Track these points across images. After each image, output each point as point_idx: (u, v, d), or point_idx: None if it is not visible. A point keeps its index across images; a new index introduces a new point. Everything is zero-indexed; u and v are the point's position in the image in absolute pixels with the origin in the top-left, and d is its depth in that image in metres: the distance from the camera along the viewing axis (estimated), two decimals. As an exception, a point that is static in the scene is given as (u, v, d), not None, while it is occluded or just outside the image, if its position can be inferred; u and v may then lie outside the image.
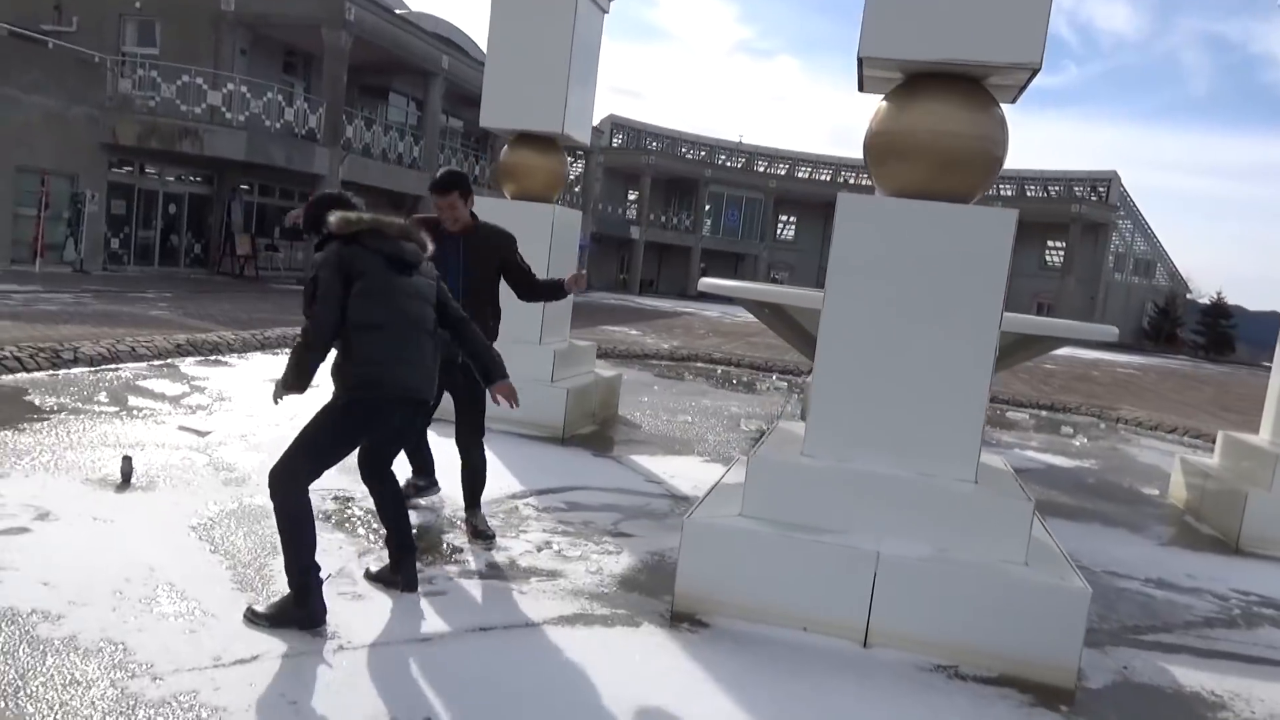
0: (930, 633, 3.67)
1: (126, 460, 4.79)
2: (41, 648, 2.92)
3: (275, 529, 3.71)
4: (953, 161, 3.93)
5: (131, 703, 2.68)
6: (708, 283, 6.99)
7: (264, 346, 10.37)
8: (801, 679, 3.36)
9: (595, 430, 7.79)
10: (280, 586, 3.62)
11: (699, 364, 14.26)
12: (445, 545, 4.42)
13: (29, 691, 2.66)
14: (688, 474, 6.49)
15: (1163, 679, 3.81)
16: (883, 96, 4.21)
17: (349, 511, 4.75)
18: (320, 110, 24.24)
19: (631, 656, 3.44)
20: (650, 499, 5.72)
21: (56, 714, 2.58)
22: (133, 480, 4.73)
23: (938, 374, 3.92)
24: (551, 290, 5.04)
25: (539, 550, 4.49)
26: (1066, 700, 3.45)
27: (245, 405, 7.17)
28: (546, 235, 7.54)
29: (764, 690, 3.24)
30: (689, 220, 50.92)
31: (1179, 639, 4.32)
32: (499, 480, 5.74)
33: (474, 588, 3.90)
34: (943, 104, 3.94)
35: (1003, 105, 4.09)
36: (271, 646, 3.13)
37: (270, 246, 26.12)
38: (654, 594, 4.05)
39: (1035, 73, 3.89)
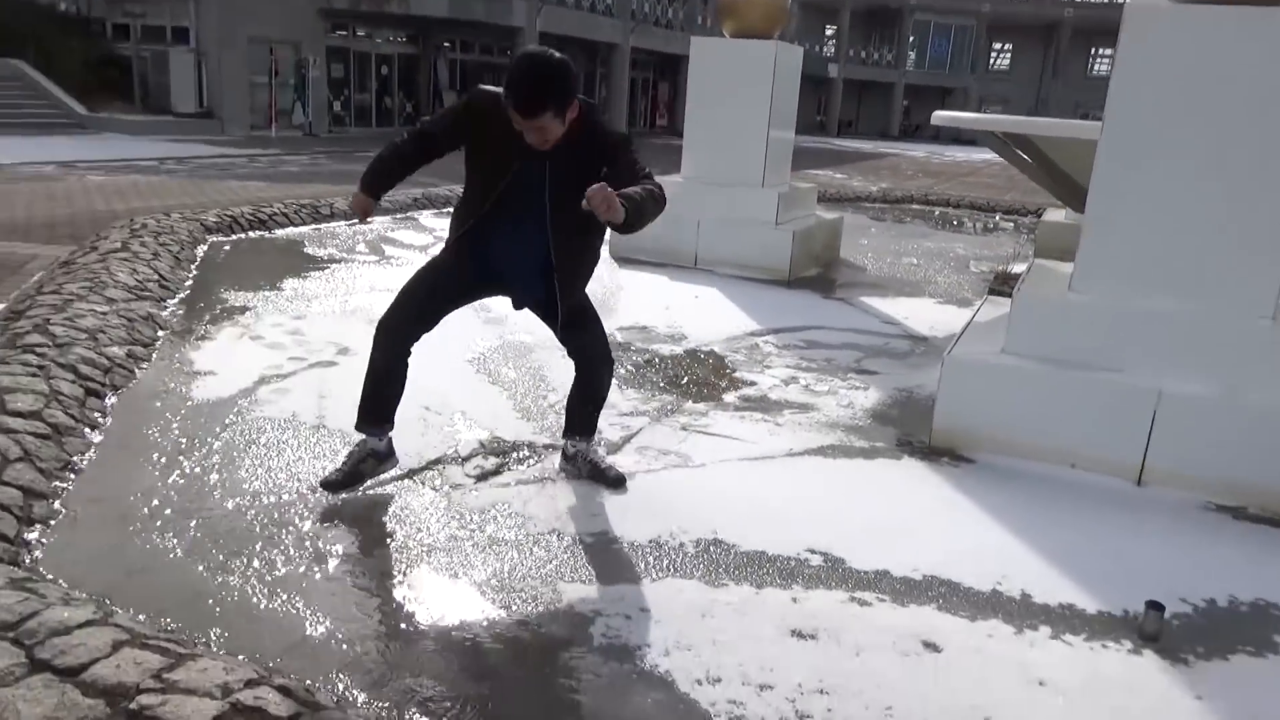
0: (1214, 473, 3.50)
1: (402, 302, 5.22)
2: (373, 460, 3.33)
3: (538, 363, 4.03)
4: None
5: (459, 509, 3.04)
6: (943, 116, 6.58)
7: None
8: (1072, 513, 3.32)
9: (819, 273, 7.72)
10: (551, 417, 3.91)
11: (914, 205, 13.66)
12: (697, 380, 4.59)
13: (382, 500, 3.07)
14: (922, 315, 6.35)
15: None
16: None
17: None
18: (514, -40, 24.11)
19: (896, 486, 3.51)
20: (888, 339, 5.67)
21: (407, 519, 2.97)
22: (409, 320, 5.17)
23: (1237, 201, 3.57)
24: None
25: (786, 384, 4.59)
26: (1372, 545, 3.24)
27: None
28: (768, 76, 7.31)
29: (1034, 522, 3.23)
30: (891, 54, 47.67)
31: None
32: (734, 319, 5.88)
33: (732, 419, 4.06)
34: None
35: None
36: (560, 475, 3.41)
37: (475, 103, 26.77)
38: (908, 429, 4.07)
39: None
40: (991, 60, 50.78)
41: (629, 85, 32.86)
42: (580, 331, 3.18)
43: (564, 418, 3.40)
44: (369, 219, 3.13)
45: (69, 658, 1.87)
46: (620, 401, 4.17)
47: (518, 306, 3.21)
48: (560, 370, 4.51)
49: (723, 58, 7.50)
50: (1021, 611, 2.66)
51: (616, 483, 3.28)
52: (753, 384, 4.56)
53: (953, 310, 6.57)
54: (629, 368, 4.69)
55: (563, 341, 3.20)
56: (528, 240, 2.91)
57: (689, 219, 7.47)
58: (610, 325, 5.41)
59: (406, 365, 3.06)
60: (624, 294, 6.43)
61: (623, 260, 7.54)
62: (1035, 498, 3.43)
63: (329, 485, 3.02)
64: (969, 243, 10.32)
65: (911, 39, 47.81)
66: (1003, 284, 6.93)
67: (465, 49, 26.75)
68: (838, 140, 38.36)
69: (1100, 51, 47.01)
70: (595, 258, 3.17)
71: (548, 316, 3.15)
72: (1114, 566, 2.96)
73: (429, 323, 3.04)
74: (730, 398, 4.35)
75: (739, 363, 4.90)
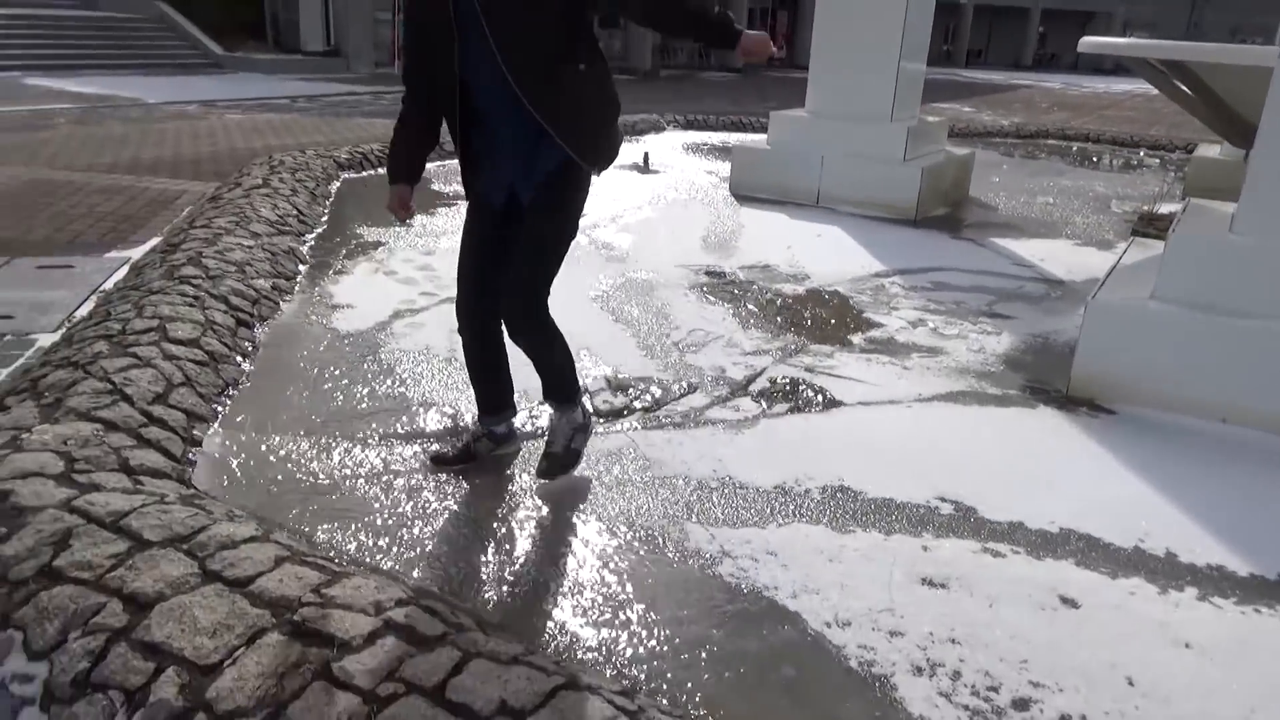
0: (1386, 432, 3.26)
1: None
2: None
3: (661, 301, 3.96)
4: None
5: (587, 449, 3.09)
6: (1092, 42, 6.14)
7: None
8: (1222, 470, 3.15)
9: (948, 212, 7.43)
10: (674, 355, 3.92)
11: (1049, 141, 12.94)
12: (821, 321, 4.51)
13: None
14: (1058, 257, 6.05)
15: None
16: None
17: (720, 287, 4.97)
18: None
19: (1030, 435, 3.40)
20: (1022, 282, 5.43)
21: (536, 458, 3.05)
22: (533, 257, 5.25)
23: None
24: (708, 27, 2.45)
25: (914, 327, 4.47)
26: None
27: (605, 189, 7.61)
28: (901, 2, 6.96)
29: (1181, 478, 3.07)
30: (1028, -23, 44.82)
31: None
32: (858, 258, 5.74)
33: (858, 362, 3.98)
34: None
35: None
36: (691, 414, 3.43)
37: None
38: (1044, 376, 3.91)
39: None
40: (1140, -19, 47.17)
41: (746, 15, 32.00)
42: (523, 249, 2.57)
43: None
44: (410, 215, 2.72)
45: (237, 570, 2.01)
46: (744, 340, 4.15)
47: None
48: (684, 308, 4.53)
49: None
50: (1166, 570, 2.55)
51: (543, 470, 2.82)
52: (879, 326, 4.46)
53: (1092, 253, 6.24)
54: (751, 307, 4.65)
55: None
56: (509, 109, 2.43)
57: (812, 155, 7.28)
58: (732, 264, 5.42)
59: (499, 340, 2.77)
60: (744, 232, 6.35)
61: (742, 198, 7.44)
62: (1182, 452, 3.26)
63: (439, 461, 2.90)
64: (1110, 181, 9.73)
65: (1051, -40, 44.79)
66: (1148, 225, 6.55)
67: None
68: (965, 71, 36.55)
69: (1265, -31, 43.14)
70: (590, 95, 2.49)
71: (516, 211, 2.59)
72: (1268, 527, 2.80)
73: (495, 286, 2.66)
74: (856, 339, 4.27)
75: (864, 304, 4.80)
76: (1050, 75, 35.19)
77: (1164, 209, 7.04)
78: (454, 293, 2.76)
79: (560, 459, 2.83)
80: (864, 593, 2.37)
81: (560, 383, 2.81)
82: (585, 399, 3.01)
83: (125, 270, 4.70)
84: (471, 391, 2.94)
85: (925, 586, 2.42)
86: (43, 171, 7.48)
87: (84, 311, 4.11)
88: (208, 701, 1.69)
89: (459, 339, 2.84)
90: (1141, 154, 12.11)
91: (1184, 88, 5.92)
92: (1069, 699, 2.03)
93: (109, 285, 4.48)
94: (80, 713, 1.73)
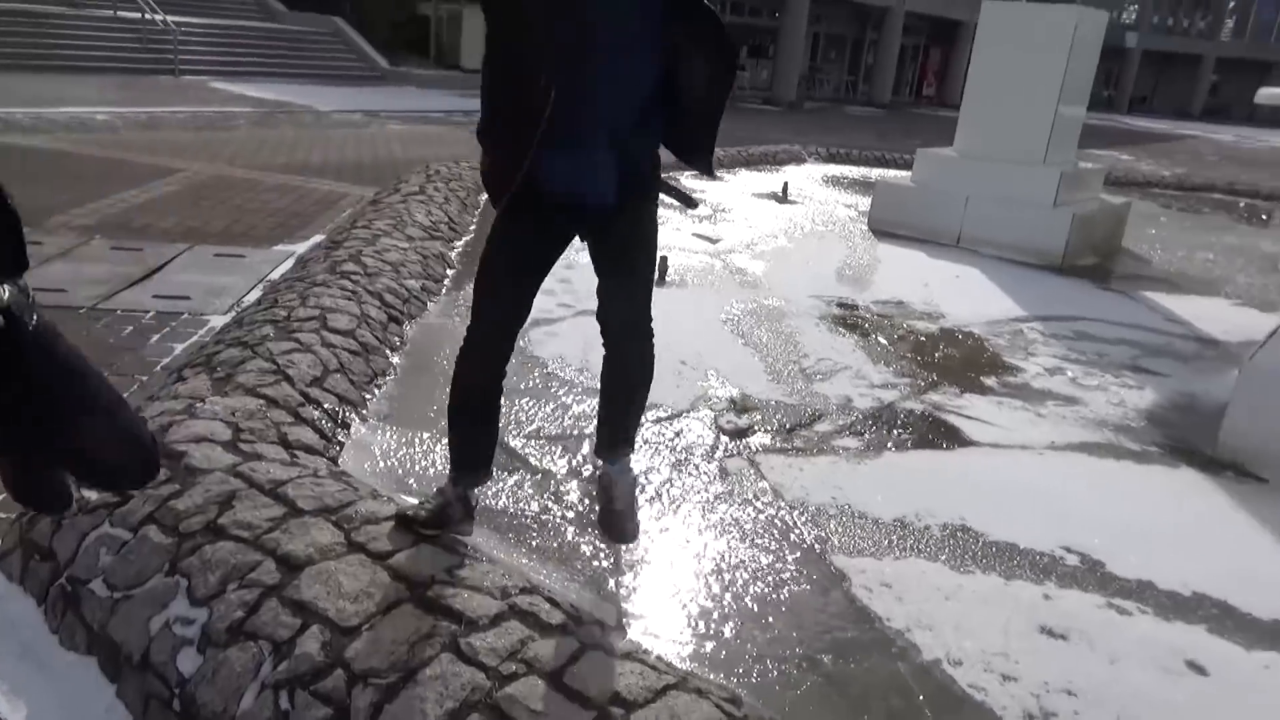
0: None
1: (663, 260, 5.42)
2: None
3: (791, 327, 3.98)
4: None
5: (706, 470, 3.16)
6: (1271, 94, 5.84)
7: (748, 163, 10.90)
8: (1387, 552, 2.94)
9: (1097, 262, 7.16)
10: (800, 382, 3.93)
11: (1215, 195, 12.26)
12: (953, 361, 4.45)
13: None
14: (1215, 316, 5.75)
15: None
16: None
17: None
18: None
19: (1168, 495, 3.26)
20: (1171, 338, 5.19)
21: (660, 472, 3.14)
22: (668, 278, 5.36)
23: None
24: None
25: (1051, 374, 4.35)
26: None
27: (742, 216, 7.69)
28: (1065, 44, 6.78)
29: (1337, 556, 2.90)
30: (1204, 22, 42.67)
31: None
32: (997, 302, 5.63)
33: (988, 404, 3.91)
34: None
35: None
36: (814, 440, 3.45)
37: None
38: (1188, 437, 3.74)
39: None
40: (1330, 31, 44.20)
41: (898, 52, 31.59)
42: (627, 277, 2.32)
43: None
44: None
45: (379, 544, 2.17)
46: (872, 373, 4.13)
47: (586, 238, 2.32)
48: (813, 337, 4.54)
49: (1017, 23, 7.02)
50: (1310, 649, 2.42)
51: (619, 537, 2.50)
52: (1014, 370, 4.36)
53: (1253, 314, 5.90)
54: (883, 341, 4.62)
55: (602, 295, 2.35)
56: (625, 79, 2.05)
57: (957, 194, 7.16)
58: (865, 297, 5.40)
59: (501, 392, 2.41)
60: (880, 267, 6.30)
61: (880, 234, 7.38)
62: (1340, 530, 3.07)
63: (409, 523, 2.27)
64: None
65: (1232, 4, 42.49)
66: (1320, 288, 6.14)
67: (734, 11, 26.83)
68: (1127, 118, 35.01)
69: None
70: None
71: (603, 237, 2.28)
72: None
73: (521, 318, 2.40)
74: (989, 382, 4.18)
75: (1000, 347, 4.70)
76: (1221, 126, 33.25)
77: (1339, 273, 6.59)
78: (589, 305, 2.39)
79: (630, 517, 2.49)
80: (979, 634, 2.34)
81: (637, 422, 2.55)
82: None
83: (291, 263, 5.06)
84: (460, 444, 2.44)
85: (1044, 636, 2.37)
86: (224, 168, 8.12)
87: (252, 297, 4.45)
88: (346, 660, 1.83)
89: (591, 352, 2.72)
90: (1318, 214, 11.33)
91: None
92: (1191, 767, 1.96)
93: (275, 275, 4.83)
94: (232, 658, 1.90)
